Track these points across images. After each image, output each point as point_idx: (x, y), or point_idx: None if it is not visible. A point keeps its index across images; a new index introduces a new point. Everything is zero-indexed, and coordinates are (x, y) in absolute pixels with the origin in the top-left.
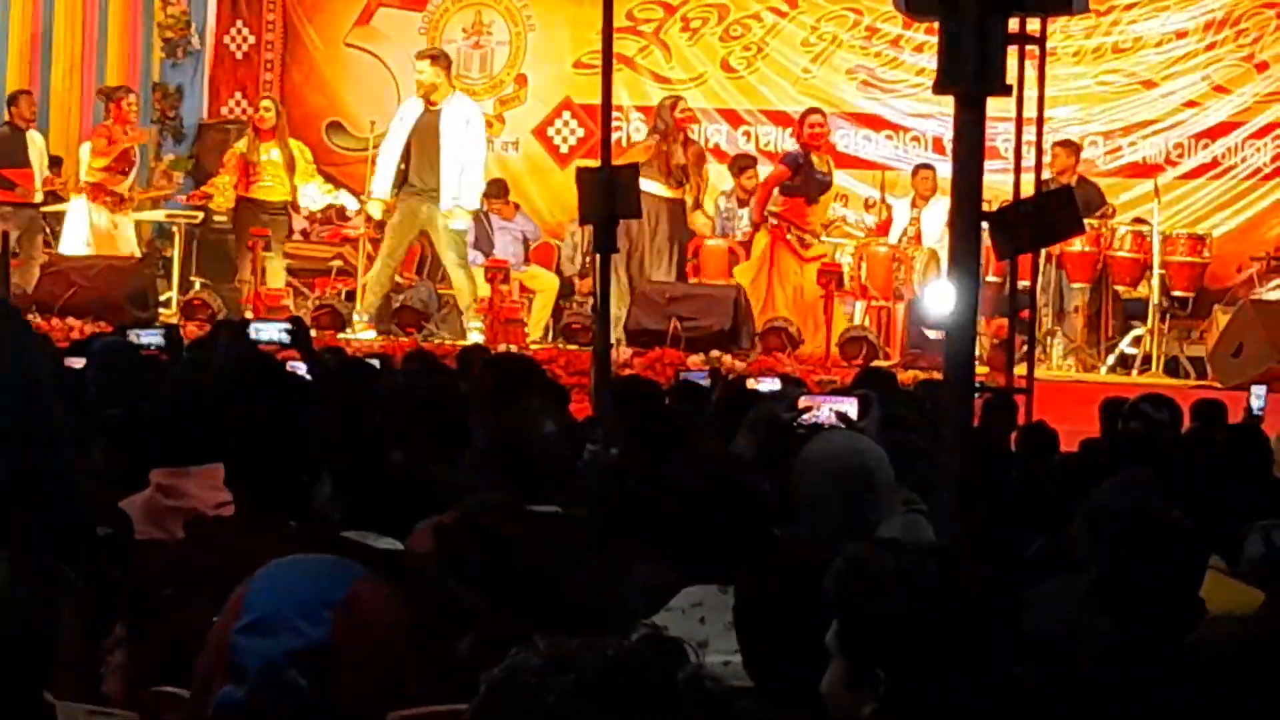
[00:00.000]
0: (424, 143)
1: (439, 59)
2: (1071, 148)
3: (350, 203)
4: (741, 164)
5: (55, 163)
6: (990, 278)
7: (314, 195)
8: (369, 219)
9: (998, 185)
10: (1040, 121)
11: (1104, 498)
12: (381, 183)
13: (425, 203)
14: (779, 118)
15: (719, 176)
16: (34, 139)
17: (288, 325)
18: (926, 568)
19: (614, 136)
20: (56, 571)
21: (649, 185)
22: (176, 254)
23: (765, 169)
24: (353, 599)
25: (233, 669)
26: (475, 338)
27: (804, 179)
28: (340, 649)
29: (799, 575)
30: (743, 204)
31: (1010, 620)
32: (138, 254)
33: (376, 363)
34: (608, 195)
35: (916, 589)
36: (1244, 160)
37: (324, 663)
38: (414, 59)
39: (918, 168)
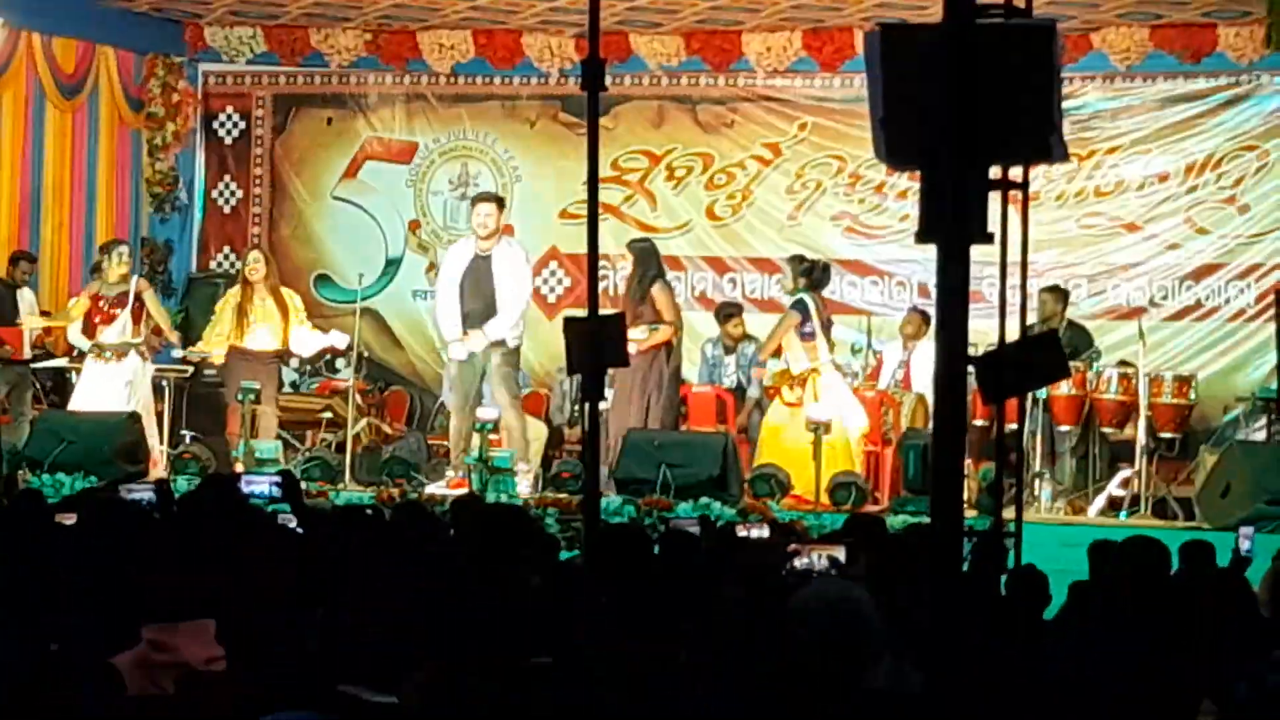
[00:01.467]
0: (478, 288)
1: (500, 201)
2: (1059, 294)
3: (340, 341)
4: (727, 311)
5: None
6: (977, 421)
7: (306, 339)
8: (361, 364)
9: (983, 330)
10: (1024, 265)
11: (1090, 642)
12: (450, 328)
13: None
14: (765, 265)
15: (705, 323)
16: (24, 296)
17: (278, 479)
18: None
19: (601, 285)
20: None
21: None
22: (167, 408)
23: (750, 316)
24: None
25: None
26: (524, 487)
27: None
28: None
29: None
30: (729, 351)
31: None
32: (149, 400)
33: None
34: (595, 344)
35: None
36: (1227, 301)
37: None
38: (473, 203)
39: (909, 311)
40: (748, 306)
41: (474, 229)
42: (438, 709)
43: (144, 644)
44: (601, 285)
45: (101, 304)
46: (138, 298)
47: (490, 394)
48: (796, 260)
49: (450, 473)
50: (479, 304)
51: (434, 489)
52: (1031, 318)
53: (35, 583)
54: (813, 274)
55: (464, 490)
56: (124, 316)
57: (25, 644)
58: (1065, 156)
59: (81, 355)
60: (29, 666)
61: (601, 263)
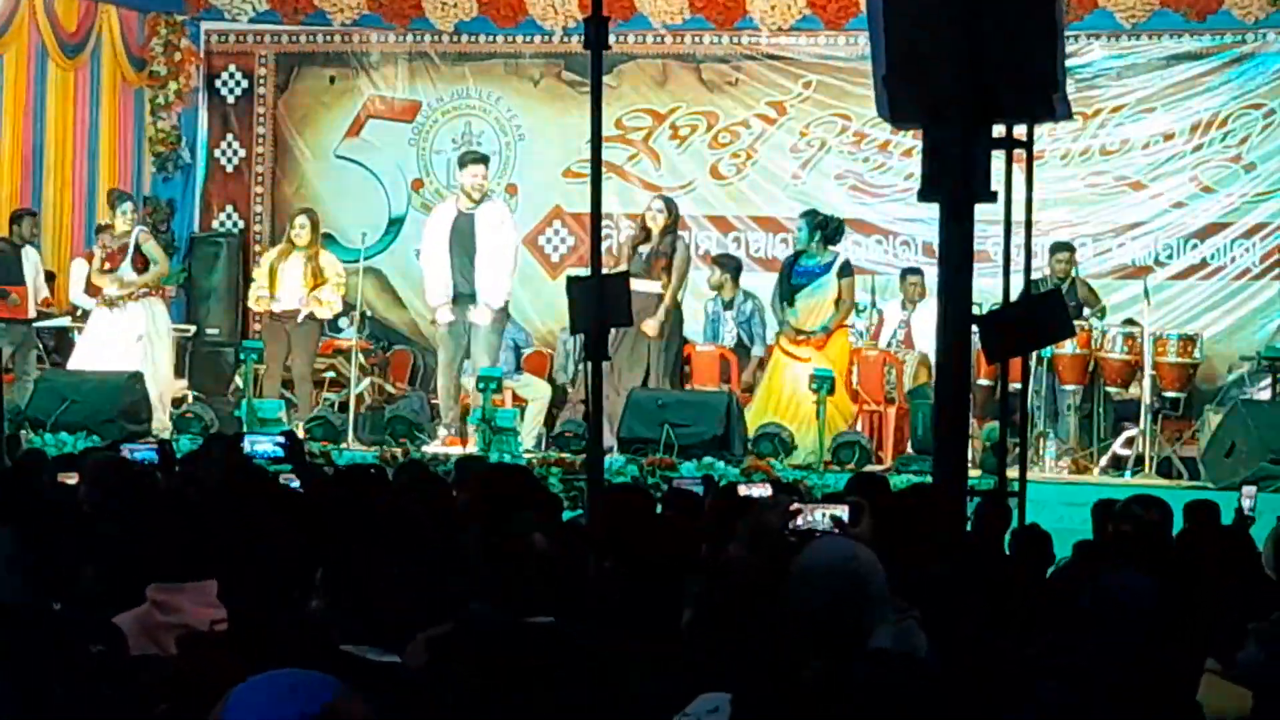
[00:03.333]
0: (463, 247)
1: (488, 161)
2: (1068, 249)
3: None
4: (724, 263)
5: (49, 279)
6: (981, 381)
7: (329, 302)
8: (361, 330)
9: (987, 289)
10: (1029, 224)
11: (1095, 601)
12: (439, 292)
13: (469, 306)
14: (769, 224)
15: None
16: (29, 255)
17: (281, 438)
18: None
19: (604, 244)
20: (48, 692)
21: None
22: (170, 367)
23: (755, 275)
24: (328, 711)
25: None
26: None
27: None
28: None
29: (788, 689)
30: (727, 306)
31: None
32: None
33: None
34: (598, 304)
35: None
36: (1233, 260)
37: None
38: (459, 162)
39: (905, 272)
40: (750, 265)
41: (465, 190)
42: (441, 668)
43: (148, 604)
44: (605, 244)
45: (105, 256)
46: (138, 248)
47: (475, 356)
48: (813, 215)
49: (443, 431)
50: (465, 261)
51: (431, 448)
52: (1042, 275)
53: (37, 542)
54: (827, 229)
55: (459, 448)
56: (125, 267)
57: (28, 603)
58: (1069, 114)
59: (85, 315)
60: (31, 625)
61: (605, 222)
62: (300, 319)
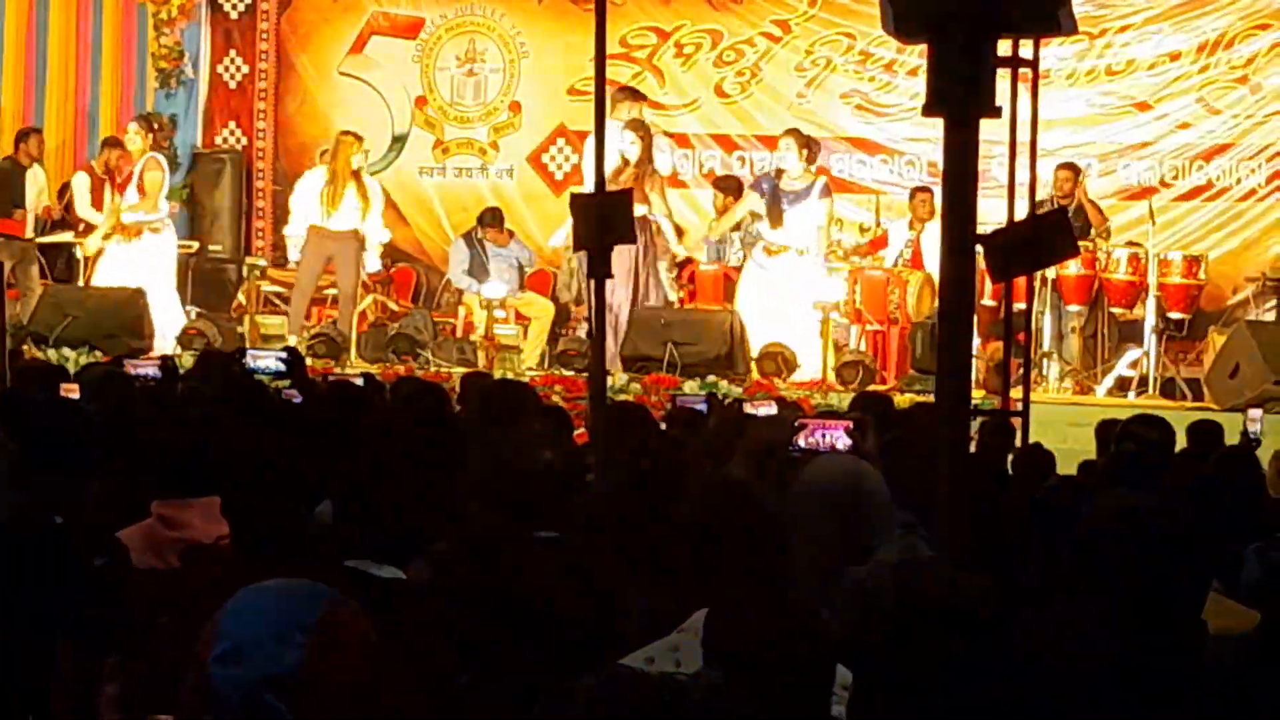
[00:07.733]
0: None
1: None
2: (1073, 170)
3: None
4: (726, 186)
5: (61, 193)
6: (986, 301)
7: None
8: None
9: (993, 208)
10: (1034, 144)
11: (1100, 520)
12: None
13: None
14: (773, 143)
15: (711, 202)
16: (34, 176)
17: (283, 354)
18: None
19: (607, 162)
20: (51, 605)
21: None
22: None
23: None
24: (325, 620)
25: (213, 700)
26: None
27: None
28: (316, 671)
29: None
30: (735, 228)
31: (1002, 642)
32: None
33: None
34: (601, 221)
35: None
36: (1238, 181)
37: (302, 687)
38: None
39: (915, 190)
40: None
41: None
42: (444, 583)
43: (153, 519)
44: (608, 162)
45: (118, 178)
46: (141, 174)
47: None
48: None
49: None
50: None
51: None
52: (1044, 193)
53: (39, 456)
54: (811, 148)
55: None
56: (130, 191)
57: (30, 515)
58: (1074, 29)
59: (89, 229)
60: (33, 539)
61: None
62: (351, 238)
